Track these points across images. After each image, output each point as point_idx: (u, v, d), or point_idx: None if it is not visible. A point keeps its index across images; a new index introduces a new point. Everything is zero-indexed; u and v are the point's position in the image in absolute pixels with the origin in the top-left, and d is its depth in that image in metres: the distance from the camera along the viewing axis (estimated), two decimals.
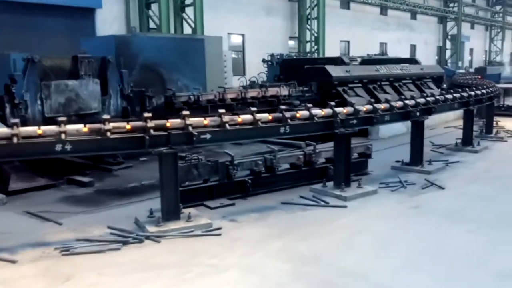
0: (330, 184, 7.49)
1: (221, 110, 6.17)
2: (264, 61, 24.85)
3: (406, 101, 8.45)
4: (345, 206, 6.74)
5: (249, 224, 6.09)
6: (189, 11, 22.16)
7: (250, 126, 6.32)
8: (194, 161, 6.68)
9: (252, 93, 11.75)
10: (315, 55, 28.85)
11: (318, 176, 7.86)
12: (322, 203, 6.89)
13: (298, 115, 6.76)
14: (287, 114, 6.57)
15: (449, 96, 9.76)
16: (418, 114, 8.69)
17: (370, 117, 7.64)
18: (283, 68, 15.77)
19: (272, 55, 24.69)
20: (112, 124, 5.51)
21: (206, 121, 6.03)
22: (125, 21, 21.43)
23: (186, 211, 6.14)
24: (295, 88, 13.02)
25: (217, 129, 6.08)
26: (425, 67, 17.78)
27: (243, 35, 26.93)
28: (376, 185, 7.75)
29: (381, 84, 15.01)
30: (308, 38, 29.34)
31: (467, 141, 10.74)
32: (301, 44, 29.35)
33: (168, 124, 5.78)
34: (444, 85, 18.24)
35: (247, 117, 6.31)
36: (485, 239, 5.54)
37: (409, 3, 35.98)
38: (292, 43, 29.94)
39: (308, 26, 29.18)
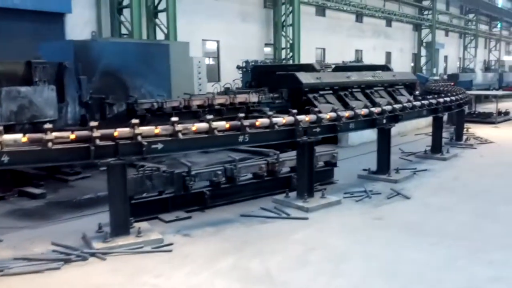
0: (293, 194, 7.20)
1: (174, 118, 5.81)
2: (238, 67, 24.60)
3: (372, 109, 8.20)
4: (306, 218, 6.44)
5: (203, 239, 5.74)
6: (162, 16, 21.79)
7: (206, 135, 5.98)
8: (148, 172, 6.30)
9: (219, 100, 11.42)
10: (291, 62, 28.70)
11: (282, 186, 7.56)
12: (283, 215, 6.58)
13: (257, 123, 6.45)
14: (246, 122, 6.26)
15: (417, 103, 9.56)
16: (384, 121, 8.45)
17: (333, 125, 7.37)
18: (255, 75, 15.49)
19: (247, 62, 24.43)
20: (54, 134, 5.13)
21: (158, 130, 5.67)
22: (97, 26, 20.96)
23: (137, 225, 5.79)
24: (265, 94, 12.73)
25: (169, 138, 5.73)
26: (397, 74, 17.68)
27: (218, 42, 26.61)
28: (341, 195, 7.49)
29: (353, 91, 14.82)
30: (283, 45, 29.14)
31: (436, 148, 10.56)
32: (277, 50, 29.15)
33: (115, 134, 5.42)
34: (417, 92, 18.17)
35: (203, 125, 5.98)
36: (445, 253, 5.28)
37: (384, 10, 36.10)
38: (268, 49, 29.73)
39: (284, 33, 29.00)
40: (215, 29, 25.85)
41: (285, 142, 7.36)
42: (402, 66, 40.58)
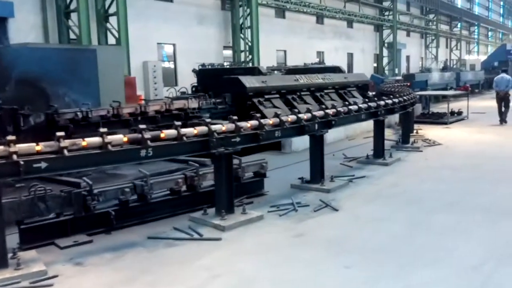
0: (212, 211, 6.54)
1: (60, 133, 5.08)
2: (194, 71, 23.90)
3: (300, 115, 7.62)
4: (219, 239, 5.79)
5: (96, 268, 5.03)
6: (114, 20, 20.92)
7: (99, 151, 5.27)
8: (41, 192, 5.56)
9: (154, 107, 10.69)
10: (250, 65, 28.11)
11: (204, 201, 6.88)
12: (196, 235, 5.91)
13: (162, 135, 5.77)
14: (147, 135, 5.57)
15: (354, 107, 9.02)
16: (316, 127, 7.88)
17: (255, 133, 6.74)
18: (201, 79, 14.80)
19: (203, 65, 23.84)
20: None
21: (39, 147, 4.94)
22: (43, 30, 19.97)
23: (22, 254, 5.05)
24: (206, 100, 12.05)
25: (54, 156, 5.00)
26: (349, 76, 17.26)
27: (174, 45, 25.83)
28: (266, 209, 6.86)
29: (301, 94, 14.27)
30: (242, 48, 28.54)
31: (378, 153, 10.05)
32: (236, 53, 28.54)
33: None
34: (371, 93, 17.76)
35: (95, 140, 5.26)
36: (363, 275, 4.69)
37: (344, 11, 35.81)
38: (228, 52, 29.06)
39: (242, 35, 28.40)
40: (171, 32, 25.09)
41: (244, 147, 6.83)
42: (364, 67, 40.46)
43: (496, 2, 79.53)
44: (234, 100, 12.60)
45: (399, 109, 10.74)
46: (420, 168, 9.51)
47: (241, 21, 28.19)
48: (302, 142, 11.41)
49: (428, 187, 8.08)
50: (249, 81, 12.57)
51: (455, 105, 18.92)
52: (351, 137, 13.41)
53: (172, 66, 25.80)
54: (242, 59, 28.44)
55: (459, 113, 17.58)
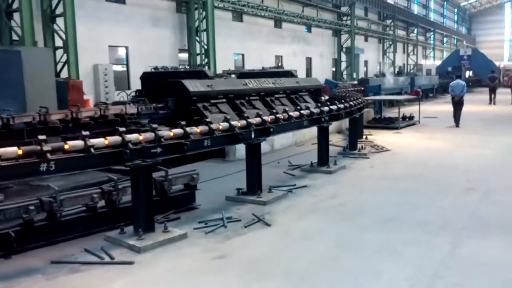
0: (131, 229, 5.88)
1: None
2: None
3: (234, 122, 7.05)
4: (131, 263, 5.14)
5: None
6: (62, 21, 19.92)
7: None
8: None
9: (87, 112, 9.94)
10: (206, 68, 27.46)
11: (124, 218, 6.20)
12: (107, 258, 5.25)
13: (66, 146, 5.08)
14: (47, 147, 4.87)
15: (295, 114, 8.51)
16: (252, 135, 7.33)
17: (179, 143, 6.12)
18: (145, 83, 14.07)
19: (155, 68, 23.02)
20: None
21: None
22: None
23: None
24: (146, 105, 11.35)
25: None
26: (301, 80, 16.81)
27: (126, 48, 24.95)
28: (193, 225, 6.26)
29: (250, 99, 13.73)
30: (198, 51, 27.86)
31: (322, 161, 9.58)
32: (191, 57, 27.84)
33: None
34: (325, 98, 17.38)
35: None
36: None
37: (303, 16, 35.53)
38: (185, 55, 28.33)
39: (198, 38, 27.73)
40: (124, 34, 24.20)
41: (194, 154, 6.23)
42: (322, 71, 40.36)
43: (451, 9, 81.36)
44: (178, 105, 11.95)
45: (345, 115, 10.32)
46: (363, 177, 9.07)
47: (196, 24, 27.50)
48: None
49: (366, 199, 7.61)
50: (193, 85, 11.93)
51: (408, 110, 18.74)
52: (299, 143, 12.95)
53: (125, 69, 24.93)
54: (198, 63, 27.78)
55: (411, 117, 17.39)
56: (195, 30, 27.59)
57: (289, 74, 17.14)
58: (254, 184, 7.46)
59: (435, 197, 7.58)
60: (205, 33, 27.57)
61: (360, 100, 11.78)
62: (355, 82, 28.82)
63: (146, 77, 14.25)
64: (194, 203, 7.12)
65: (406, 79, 28.07)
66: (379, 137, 14.00)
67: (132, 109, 10.83)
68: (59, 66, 20.37)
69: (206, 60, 27.73)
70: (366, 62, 47.75)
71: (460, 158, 10.88)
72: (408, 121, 17.04)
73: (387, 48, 50.99)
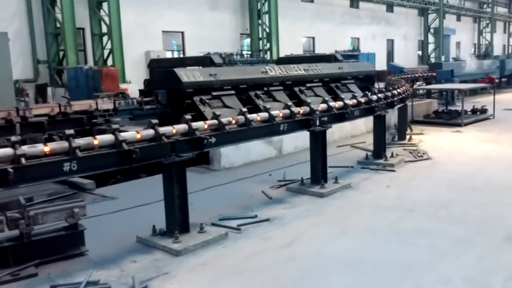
0: None
1: None
2: None
3: (196, 124, 4.84)
4: None
5: None
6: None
7: None
8: None
9: (40, 109, 8.06)
10: (268, 54, 25.06)
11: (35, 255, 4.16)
12: None
13: None
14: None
15: (263, 115, 5.93)
16: (205, 142, 5.00)
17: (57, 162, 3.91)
18: (152, 72, 12.00)
19: (208, 54, 21.01)
20: None
21: None
22: (27, 18, 17.88)
23: None
24: (125, 99, 9.28)
25: None
26: (347, 66, 13.83)
27: (182, 33, 23.21)
28: None
29: (270, 90, 11.15)
30: (260, 35, 25.50)
31: (316, 176, 6.89)
32: (253, 41, 25.55)
33: None
34: (378, 85, 14.28)
35: None
36: None
37: None
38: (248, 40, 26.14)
39: (260, 21, 25.34)
40: (179, 19, 22.52)
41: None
42: (406, 54, 36.23)
43: None
44: (171, 98, 9.74)
45: (351, 116, 7.41)
46: (362, 206, 6.24)
47: (259, 6, 25.14)
48: (239, 155, 8.45)
49: (337, 250, 4.84)
50: (189, 75, 9.62)
51: (489, 100, 14.65)
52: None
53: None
54: (260, 48, 25.44)
55: (483, 111, 13.72)
56: (257, 13, 25.23)
57: (332, 58, 14.19)
58: (174, 221, 5.05)
59: (448, 252, 4.67)
60: (267, 15, 25.13)
61: (390, 92, 8.75)
62: (423, 66, 24.71)
63: (154, 65, 12.14)
64: (81, 247, 4.86)
65: (494, 63, 23.42)
66: (430, 137, 10.81)
67: (106, 105, 8.78)
68: (105, 53, 19.20)
69: (268, 44, 25.32)
70: (458, 44, 42.38)
71: None
72: (479, 115, 13.42)
73: (484, 28, 44.86)
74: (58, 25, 18.18)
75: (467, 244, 4.86)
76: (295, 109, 6.40)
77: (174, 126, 4.95)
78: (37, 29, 18.07)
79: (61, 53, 18.19)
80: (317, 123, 6.74)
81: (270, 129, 6.05)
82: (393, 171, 7.85)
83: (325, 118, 6.88)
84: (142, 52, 20.96)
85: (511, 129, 11.84)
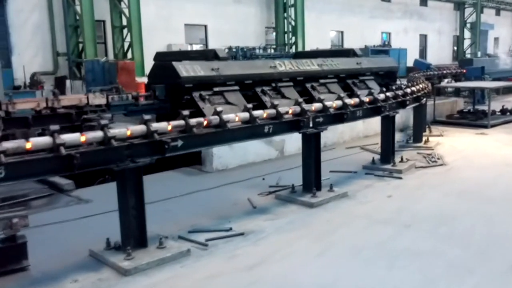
0: None
1: None
2: None
3: (156, 125, 4.26)
4: None
5: None
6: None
7: None
8: None
9: (25, 104, 7.60)
10: (293, 48, 24.24)
11: None
12: None
13: None
14: None
15: (243, 115, 5.23)
16: (176, 145, 4.38)
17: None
18: (156, 67, 11.38)
19: (230, 48, 20.48)
20: None
21: None
22: (48, 11, 17.66)
23: None
24: (120, 94, 8.74)
25: None
26: (366, 61, 12.87)
27: (205, 26, 22.67)
28: None
29: (278, 86, 10.40)
30: (286, 29, 24.69)
31: (308, 184, 6.14)
32: (278, 35, 24.77)
33: None
34: (401, 82, 13.31)
35: None
36: None
37: None
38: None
39: (286, 15, 24.53)
40: (202, 12, 21.99)
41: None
42: (440, 49, 34.72)
43: None
44: (169, 94, 9.13)
45: (351, 117, 6.58)
46: (354, 218, 5.46)
47: None
48: (233, 156, 7.79)
49: (310, 275, 4.11)
50: (188, 69, 8.97)
51: None
52: (330, 146, 9.42)
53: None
54: (286, 42, 24.65)
55: None
56: (283, 6, 24.42)
57: (351, 53, 13.28)
58: (130, 235, 4.43)
59: (439, 281, 3.89)
60: (293, 8, 24.30)
61: (402, 90, 7.88)
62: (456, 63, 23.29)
63: (159, 59, 11.57)
64: (23, 261, 4.31)
65: None
66: (450, 139, 9.87)
67: (98, 99, 8.26)
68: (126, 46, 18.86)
69: (293, 38, 24.50)
70: (496, 40, 40.30)
71: None
72: (508, 116, 12.29)
73: None
74: (77, 17, 17.89)
75: (464, 272, 4.05)
76: (283, 109, 5.67)
77: (129, 127, 4.32)
78: (57, 22, 17.85)
79: (81, 46, 17.91)
80: (310, 125, 5.98)
81: (251, 131, 5.33)
82: (400, 178, 7.01)
83: (320, 119, 6.10)
84: (164, 45, 20.49)
85: None
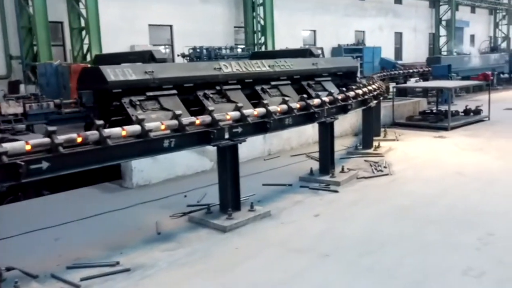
0: None
1: None
2: (183, 56, 19.82)
3: (8, 145, 3.37)
4: None
5: None
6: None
7: None
8: None
9: None
10: (263, 48, 23.42)
11: None
12: None
13: None
14: None
15: (132, 129, 4.39)
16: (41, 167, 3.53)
17: None
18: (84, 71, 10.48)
19: (194, 48, 19.66)
20: None
21: None
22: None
23: None
24: (39, 102, 7.85)
25: None
26: (323, 61, 12.10)
27: (171, 26, 21.76)
28: None
29: (223, 89, 9.56)
30: (255, 28, 23.86)
31: (224, 203, 5.33)
32: (247, 35, 23.94)
33: None
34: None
35: None
36: None
37: None
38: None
39: (255, 14, 23.69)
40: (167, 12, 21.06)
41: None
42: (416, 47, 34.13)
43: None
44: (98, 100, 8.25)
45: (276, 125, 5.77)
46: (265, 248, 4.63)
47: None
48: (157, 169, 6.94)
49: None
50: (118, 73, 8.07)
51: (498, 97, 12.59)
52: (275, 154, 8.62)
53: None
54: (256, 41, 23.82)
55: (477, 111, 11.86)
56: (251, 4, 23.59)
57: (307, 53, 12.50)
58: None
59: None
60: (262, 7, 23.48)
61: (344, 94, 7.10)
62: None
63: (99, 61, 10.67)
64: None
65: (502, 57, 21.20)
66: (405, 144, 9.12)
67: (12, 108, 7.37)
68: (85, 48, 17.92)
69: (262, 38, 23.69)
70: (472, 37, 39.84)
71: (505, 198, 5.89)
72: (471, 116, 11.59)
73: (500, 20, 42.13)
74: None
75: None
76: (188, 119, 4.85)
77: None
78: (10, 24, 16.86)
79: (36, 49, 16.92)
80: (226, 136, 5.16)
81: (143, 147, 4.49)
82: (336, 191, 6.23)
83: (238, 130, 5.29)
84: (127, 47, 19.56)
85: (505, 133, 10.01)
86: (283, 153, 8.67)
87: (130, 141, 4.40)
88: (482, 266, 4.01)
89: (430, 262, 4.17)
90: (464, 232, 4.82)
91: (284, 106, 5.87)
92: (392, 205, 5.72)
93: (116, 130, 4.31)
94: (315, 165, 7.12)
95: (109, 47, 17.43)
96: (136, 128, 4.44)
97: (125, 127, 4.40)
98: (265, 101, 5.85)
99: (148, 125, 4.53)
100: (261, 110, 5.56)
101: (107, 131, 4.20)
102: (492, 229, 4.83)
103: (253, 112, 5.49)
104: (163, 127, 4.65)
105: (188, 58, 19.42)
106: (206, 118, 5.01)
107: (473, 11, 39.56)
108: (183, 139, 4.80)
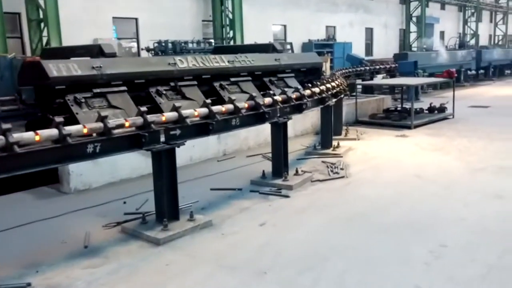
0: None
1: None
2: (148, 50, 19.11)
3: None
4: None
5: None
6: None
7: None
8: None
9: None
10: (231, 42, 22.88)
11: None
12: None
13: None
14: None
15: (47, 133, 3.87)
16: None
17: None
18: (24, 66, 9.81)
19: (159, 42, 18.97)
20: None
21: None
22: None
23: None
24: None
25: None
26: (286, 57, 11.65)
27: (136, 19, 21.01)
28: None
29: (178, 85, 9.04)
30: (224, 22, 23.28)
31: (160, 214, 4.85)
32: (216, 29, 23.33)
33: None
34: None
35: None
36: None
37: None
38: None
39: (223, 7, 23.09)
40: (132, 5, 20.28)
41: None
42: (387, 43, 34.06)
43: None
44: (40, 96, 7.64)
45: (220, 127, 5.33)
46: (195, 265, 4.19)
47: None
48: (98, 172, 6.40)
49: None
50: (61, 68, 7.44)
51: (466, 94, 12.41)
52: (230, 155, 8.17)
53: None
54: (224, 36, 23.25)
55: (441, 109, 11.63)
56: None
57: (270, 48, 12.06)
58: None
59: None
60: (230, 1, 22.91)
61: (299, 93, 6.69)
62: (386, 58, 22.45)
63: (47, 56, 10.02)
64: None
65: (469, 54, 21.14)
66: (365, 143, 8.79)
67: None
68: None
69: (231, 32, 23.13)
70: (442, 33, 40.05)
71: (462, 203, 5.57)
72: (436, 114, 11.34)
73: (469, 17, 42.48)
74: None
75: None
76: (116, 122, 4.35)
77: None
78: None
79: None
80: (162, 139, 4.69)
81: (60, 153, 3.97)
82: (287, 196, 5.82)
83: (176, 132, 4.82)
84: (90, 40, 18.73)
85: (468, 132, 9.76)
86: (240, 153, 8.23)
87: (46, 146, 3.88)
88: (431, 285, 3.65)
89: (374, 280, 3.80)
90: (415, 242, 4.47)
91: (230, 106, 5.42)
92: (344, 211, 5.34)
93: (28, 135, 3.78)
94: (270, 167, 6.70)
95: (70, 40, 16.64)
96: (52, 132, 3.92)
97: (39, 131, 3.88)
98: (232, 97, 5.42)
99: (68, 128, 4.02)
100: (202, 111, 5.10)
101: (17, 136, 3.68)
102: (445, 239, 4.49)
103: (193, 112, 5.01)
104: (85, 130, 4.14)
105: (153, 52, 18.76)
106: (137, 120, 4.52)
107: (443, 7, 39.77)
108: (109, 143, 4.29)
